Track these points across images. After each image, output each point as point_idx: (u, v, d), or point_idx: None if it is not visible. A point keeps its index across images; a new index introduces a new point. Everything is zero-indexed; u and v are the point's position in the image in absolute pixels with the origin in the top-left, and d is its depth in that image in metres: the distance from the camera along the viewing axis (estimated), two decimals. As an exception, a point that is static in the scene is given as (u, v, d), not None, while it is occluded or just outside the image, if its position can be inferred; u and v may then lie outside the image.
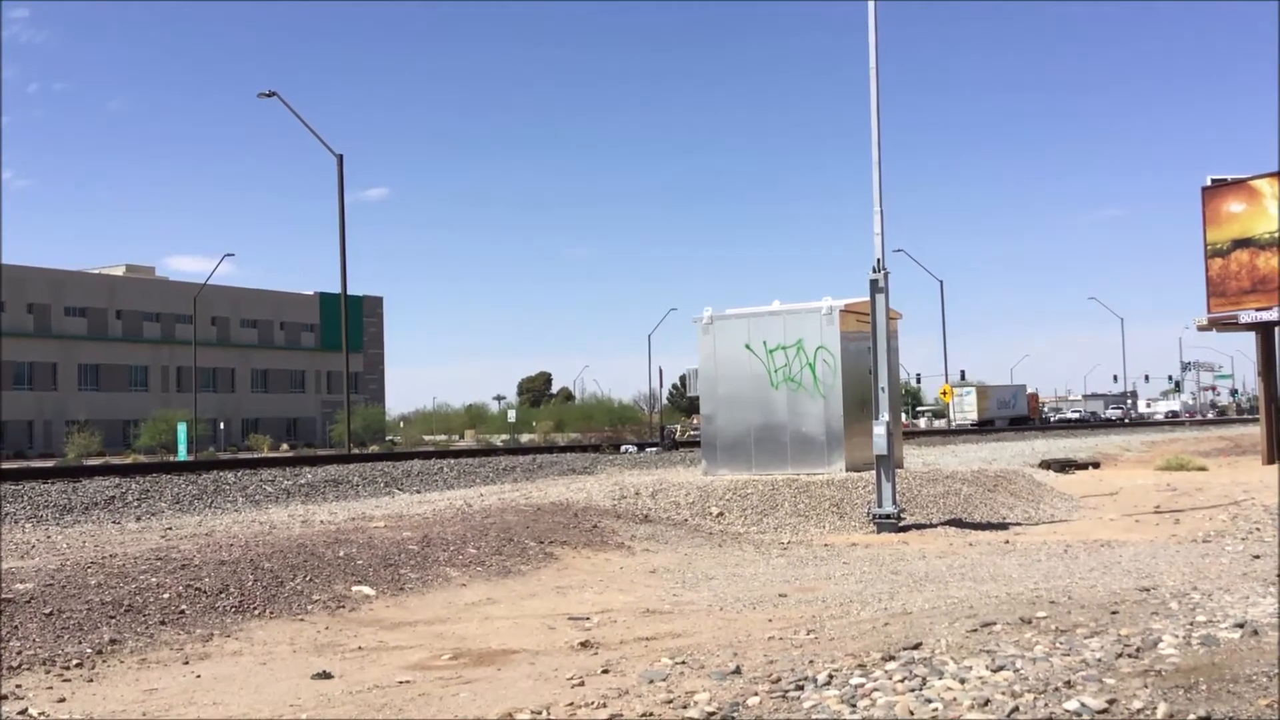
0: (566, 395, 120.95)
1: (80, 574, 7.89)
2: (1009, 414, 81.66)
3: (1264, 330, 24.77)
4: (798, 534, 13.12)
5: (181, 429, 52.01)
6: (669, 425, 66.75)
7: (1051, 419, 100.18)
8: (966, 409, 78.67)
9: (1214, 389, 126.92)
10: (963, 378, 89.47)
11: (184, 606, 7.51)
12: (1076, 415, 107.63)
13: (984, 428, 67.71)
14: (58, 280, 78.65)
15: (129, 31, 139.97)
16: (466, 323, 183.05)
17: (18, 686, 5.79)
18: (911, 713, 4.38)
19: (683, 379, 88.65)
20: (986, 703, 4.41)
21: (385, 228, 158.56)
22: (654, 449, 37.33)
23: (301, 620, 7.66)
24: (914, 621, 6.52)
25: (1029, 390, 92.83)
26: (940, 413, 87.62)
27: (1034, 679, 4.70)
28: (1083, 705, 4.27)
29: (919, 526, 13.42)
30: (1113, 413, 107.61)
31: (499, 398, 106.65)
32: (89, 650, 6.50)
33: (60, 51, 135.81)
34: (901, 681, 4.81)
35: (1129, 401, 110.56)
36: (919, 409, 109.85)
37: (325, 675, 6.04)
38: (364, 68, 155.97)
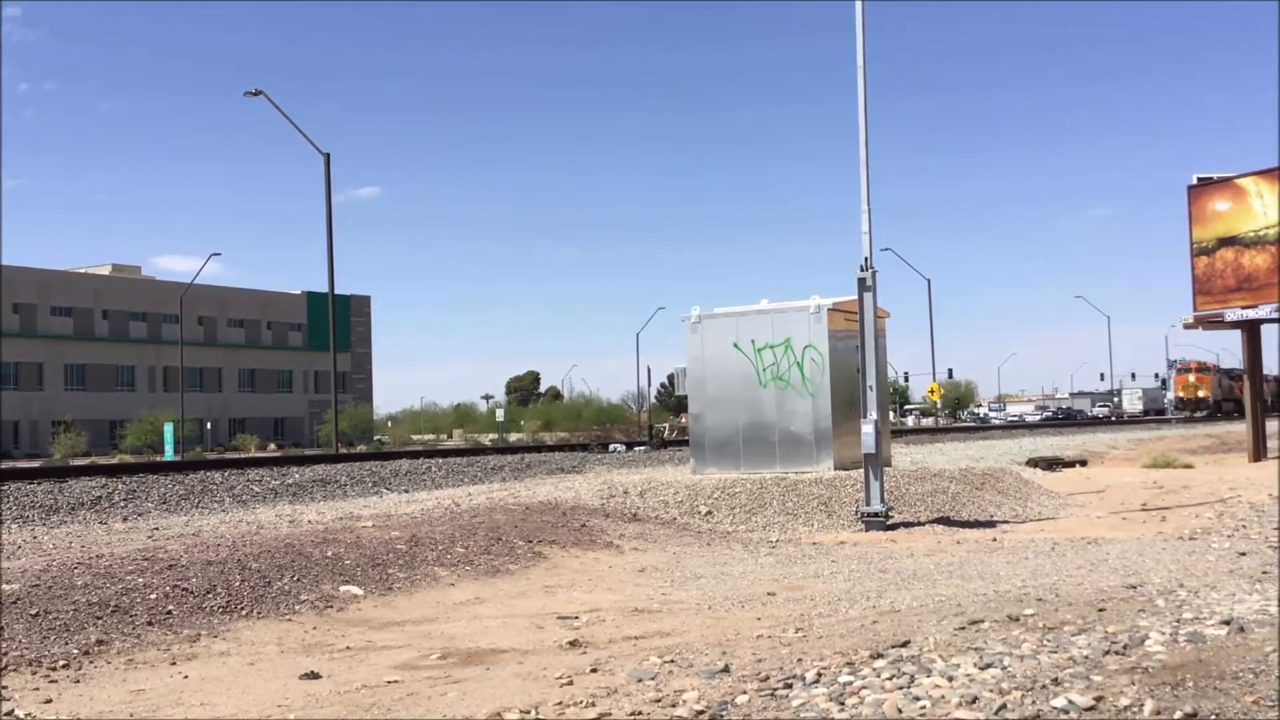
0: (555, 395, 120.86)
1: (67, 575, 7.85)
2: (1157, 407, 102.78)
3: (1250, 328, 24.91)
4: (786, 532, 13.13)
5: (168, 429, 51.89)
6: (657, 424, 66.78)
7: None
8: (1135, 401, 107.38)
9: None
10: (950, 376, 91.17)
11: (171, 607, 7.48)
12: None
13: (1145, 415, 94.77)
14: (44, 280, 78.30)
15: (118, 31, 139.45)
16: (454, 322, 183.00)
17: (4, 688, 5.76)
18: (900, 710, 4.39)
19: (671, 378, 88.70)
20: (974, 700, 4.42)
21: (374, 227, 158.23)
22: (642, 448, 37.33)
23: (289, 620, 7.64)
24: (902, 619, 6.54)
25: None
26: (925, 410, 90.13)
27: (1021, 676, 4.72)
28: (1070, 702, 4.28)
29: (907, 524, 13.44)
30: (1099, 410, 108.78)
31: (487, 397, 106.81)
32: (75, 651, 6.46)
33: (49, 51, 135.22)
34: (890, 679, 4.82)
35: (1115, 399, 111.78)
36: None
37: (313, 675, 6.03)
38: (356, 67, 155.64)
